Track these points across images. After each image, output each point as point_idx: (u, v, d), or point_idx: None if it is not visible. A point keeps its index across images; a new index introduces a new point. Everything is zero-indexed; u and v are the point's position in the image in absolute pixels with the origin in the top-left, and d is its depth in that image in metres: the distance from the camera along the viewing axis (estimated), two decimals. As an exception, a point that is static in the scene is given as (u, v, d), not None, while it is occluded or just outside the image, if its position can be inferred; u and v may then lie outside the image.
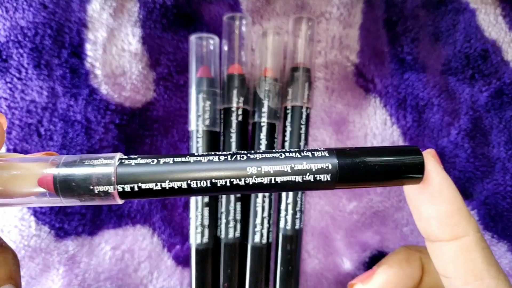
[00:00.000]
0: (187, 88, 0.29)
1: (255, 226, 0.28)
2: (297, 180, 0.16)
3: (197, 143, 0.27)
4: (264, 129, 0.28)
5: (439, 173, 0.17)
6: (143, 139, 0.29)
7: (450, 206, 0.17)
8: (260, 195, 0.28)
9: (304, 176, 0.16)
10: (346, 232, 0.31)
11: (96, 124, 0.28)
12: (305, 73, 0.29)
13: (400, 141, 0.31)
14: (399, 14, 0.31)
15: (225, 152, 0.17)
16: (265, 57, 0.29)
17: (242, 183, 0.16)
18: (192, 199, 0.28)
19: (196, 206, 0.28)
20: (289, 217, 0.29)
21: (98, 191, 0.15)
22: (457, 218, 0.17)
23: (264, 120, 0.28)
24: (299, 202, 0.29)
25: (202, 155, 0.16)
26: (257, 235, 0.28)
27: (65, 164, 0.15)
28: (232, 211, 0.28)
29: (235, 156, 0.16)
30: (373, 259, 0.31)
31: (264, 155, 0.16)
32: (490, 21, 0.31)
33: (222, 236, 0.28)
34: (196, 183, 0.16)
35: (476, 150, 0.31)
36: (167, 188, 0.16)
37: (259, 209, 0.28)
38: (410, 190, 0.19)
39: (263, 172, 0.16)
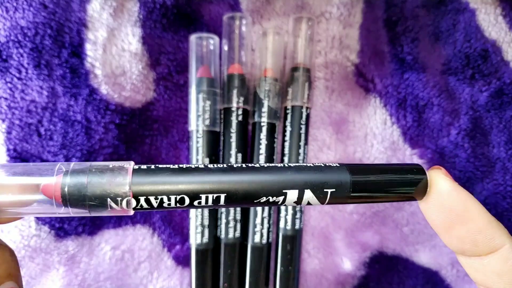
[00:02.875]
0: (187, 88, 0.29)
1: (255, 226, 0.28)
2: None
3: (197, 143, 0.27)
4: (264, 129, 0.28)
5: (460, 192, 0.17)
6: (143, 139, 0.29)
7: (480, 222, 0.17)
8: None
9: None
10: (346, 232, 0.31)
11: (96, 124, 0.28)
12: (305, 73, 0.29)
13: (400, 141, 0.31)
14: (399, 14, 0.31)
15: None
16: (265, 57, 0.29)
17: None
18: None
19: (196, 206, 0.28)
20: (289, 217, 0.29)
21: (111, 202, 0.14)
22: (490, 231, 0.17)
23: (264, 120, 0.28)
24: (299, 202, 0.29)
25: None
26: (257, 235, 0.28)
27: (74, 172, 0.14)
28: (232, 211, 0.28)
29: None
30: (373, 259, 0.31)
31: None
32: (490, 21, 0.31)
33: (222, 236, 0.28)
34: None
35: (476, 150, 0.31)
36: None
37: (259, 209, 0.28)
38: (434, 216, 0.18)
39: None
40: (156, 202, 0.15)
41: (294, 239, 0.29)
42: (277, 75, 0.29)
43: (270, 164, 0.16)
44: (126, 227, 0.29)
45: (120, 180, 0.14)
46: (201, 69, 0.28)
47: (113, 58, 0.28)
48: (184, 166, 0.16)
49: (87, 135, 0.28)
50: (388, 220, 0.31)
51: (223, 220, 0.28)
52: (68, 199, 0.14)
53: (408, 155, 0.31)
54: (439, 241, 0.31)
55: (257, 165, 0.16)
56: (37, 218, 0.27)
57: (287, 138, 0.29)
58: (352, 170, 0.16)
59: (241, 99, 0.28)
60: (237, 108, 0.28)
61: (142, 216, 0.29)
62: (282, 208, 0.29)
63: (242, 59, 0.28)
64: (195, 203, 0.15)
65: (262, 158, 0.28)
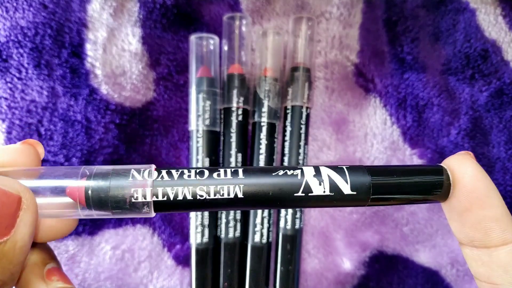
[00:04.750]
0: (187, 88, 0.29)
1: (255, 225, 0.28)
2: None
3: (197, 143, 0.27)
4: (264, 129, 0.28)
5: (485, 176, 0.17)
6: (143, 139, 0.29)
7: (498, 210, 0.17)
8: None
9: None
10: (346, 232, 0.31)
11: (96, 124, 0.28)
12: (305, 73, 0.29)
13: (400, 141, 0.31)
14: (399, 14, 0.31)
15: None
16: (265, 57, 0.29)
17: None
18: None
19: (196, 206, 0.28)
20: (289, 217, 0.29)
21: (133, 204, 0.15)
22: (506, 222, 0.16)
23: (264, 120, 0.28)
24: (299, 202, 0.29)
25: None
26: (257, 235, 0.28)
27: (97, 176, 0.15)
28: (232, 211, 0.28)
29: None
30: (373, 259, 0.31)
31: None
32: (490, 21, 0.31)
33: (222, 235, 0.28)
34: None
35: (476, 150, 0.31)
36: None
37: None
38: (453, 196, 0.18)
39: None
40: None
41: (294, 239, 0.29)
42: (277, 75, 0.29)
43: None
44: (126, 227, 0.29)
45: (141, 182, 0.15)
46: (201, 69, 0.28)
47: (113, 58, 0.28)
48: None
49: (87, 135, 0.28)
50: (388, 220, 0.31)
51: (223, 220, 0.28)
52: (92, 201, 0.15)
53: (408, 155, 0.31)
54: (439, 241, 0.31)
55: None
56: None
57: (287, 138, 0.29)
58: (372, 172, 0.16)
59: (241, 99, 0.28)
60: (237, 108, 0.28)
61: (142, 216, 0.29)
62: (282, 208, 0.29)
63: (242, 59, 0.28)
64: (214, 175, 0.15)
65: (262, 158, 0.28)
